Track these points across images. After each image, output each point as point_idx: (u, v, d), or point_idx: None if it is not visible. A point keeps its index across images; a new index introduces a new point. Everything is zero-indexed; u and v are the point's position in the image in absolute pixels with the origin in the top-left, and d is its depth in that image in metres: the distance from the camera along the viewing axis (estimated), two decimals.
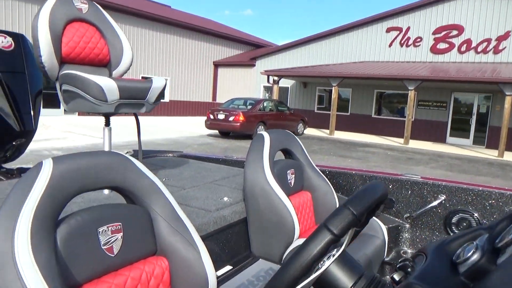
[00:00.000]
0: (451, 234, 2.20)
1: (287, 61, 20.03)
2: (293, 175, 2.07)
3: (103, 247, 0.97)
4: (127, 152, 3.02)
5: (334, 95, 15.38)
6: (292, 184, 2.05)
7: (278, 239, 1.80)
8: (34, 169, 0.91)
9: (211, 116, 12.98)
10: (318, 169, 2.25)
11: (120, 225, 1.02)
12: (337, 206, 2.24)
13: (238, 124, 12.39)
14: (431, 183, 2.22)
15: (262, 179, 1.79)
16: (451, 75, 13.08)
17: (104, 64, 2.06)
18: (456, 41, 15.76)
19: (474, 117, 15.31)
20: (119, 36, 2.11)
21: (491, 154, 13.04)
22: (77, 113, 15.33)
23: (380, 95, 17.51)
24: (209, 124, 13.05)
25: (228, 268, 1.71)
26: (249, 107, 13.38)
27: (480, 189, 2.12)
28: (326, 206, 2.20)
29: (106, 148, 1.88)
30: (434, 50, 16.27)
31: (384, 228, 2.11)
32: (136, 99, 1.77)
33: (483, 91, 14.77)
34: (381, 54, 17.48)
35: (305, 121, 15.72)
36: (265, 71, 17.40)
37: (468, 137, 15.48)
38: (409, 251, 2.29)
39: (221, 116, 12.71)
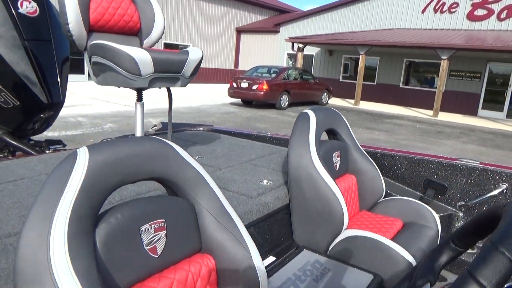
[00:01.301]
0: None
1: (312, 27, 19.33)
2: (339, 158, 1.89)
3: (146, 248, 0.86)
4: (154, 126, 2.90)
5: (361, 64, 14.82)
6: (338, 168, 1.89)
7: (325, 229, 1.66)
8: (67, 160, 0.78)
9: (234, 84, 12.74)
10: (364, 151, 2.06)
11: (163, 221, 0.90)
12: (384, 191, 2.07)
13: (262, 93, 12.13)
14: (491, 170, 2.02)
15: (308, 163, 1.63)
16: (488, 43, 12.32)
17: (135, 33, 1.90)
18: (496, 7, 14.74)
19: (510, 89, 14.53)
20: (150, 1, 1.93)
21: None
22: None
23: (410, 64, 16.79)
24: (232, 93, 12.84)
25: (271, 259, 1.59)
26: (273, 75, 13.05)
27: None
28: (372, 191, 2.04)
29: (139, 126, 1.75)
30: (470, 17, 15.30)
31: (437, 217, 1.94)
32: (171, 73, 1.61)
33: None
34: (413, 21, 16.60)
35: (330, 91, 15.30)
36: (290, 38, 16.85)
37: (502, 110, 14.78)
38: None
39: (244, 85, 12.46)
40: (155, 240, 0.88)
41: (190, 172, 0.97)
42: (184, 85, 1.72)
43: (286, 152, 2.34)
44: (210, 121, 9.29)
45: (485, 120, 13.83)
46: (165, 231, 0.90)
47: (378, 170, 2.05)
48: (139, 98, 1.75)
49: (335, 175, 1.85)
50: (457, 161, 2.11)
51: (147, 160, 0.89)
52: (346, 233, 1.64)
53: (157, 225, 0.89)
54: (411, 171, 2.22)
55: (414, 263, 1.50)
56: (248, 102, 13.43)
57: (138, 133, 1.75)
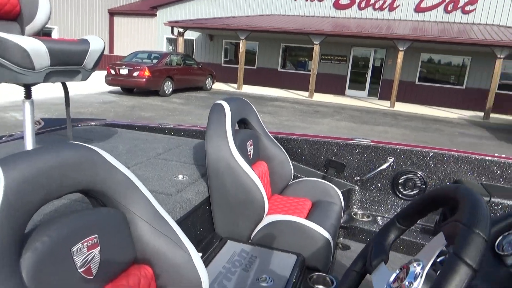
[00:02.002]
0: (398, 194, 2.30)
1: (192, 11, 18.98)
2: (252, 146, 1.91)
3: (80, 270, 0.74)
4: (36, 124, 2.52)
5: (242, 49, 15.16)
6: (251, 156, 1.90)
7: (247, 217, 1.66)
8: None
9: (112, 71, 11.85)
10: (272, 137, 2.12)
11: (96, 237, 0.79)
12: (292, 174, 2.16)
13: (144, 79, 11.55)
14: (380, 147, 2.26)
15: (227, 155, 1.60)
16: (351, 30, 13.76)
17: (13, 17, 1.58)
18: None
19: (369, 71, 16.56)
20: None
21: (384, 105, 14.35)
22: None
23: (286, 48, 17.80)
24: (110, 80, 11.93)
25: (199, 254, 1.53)
26: (154, 61, 12.50)
27: (422, 149, 2.22)
28: (282, 175, 2.11)
29: (29, 128, 1.47)
30: (336, 5, 16.82)
31: (339, 193, 2.10)
32: (70, 65, 1.39)
33: (379, 46, 15.90)
34: (287, 8, 17.54)
35: (214, 76, 15.35)
36: (169, 22, 16.29)
37: (364, 89, 16.78)
38: (359, 212, 2.35)
39: (123, 71, 11.68)
40: (89, 260, 0.77)
41: (119, 178, 0.86)
42: (85, 78, 1.50)
43: (193, 143, 2.27)
44: (88, 112, 8.50)
45: (352, 99, 15.54)
46: (98, 248, 0.79)
47: (286, 154, 2.13)
48: (28, 95, 1.47)
49: (250, 163, 1.86)
50: (352, 141, 2.32)
51: (72, 170, 0.75)
52: (266, 219, 1.67)
53: (89, 243, 0.77)
54: (314, 153, 2.37)
55: (329, 237, 1.60)
56: (129, 90, 12.67)
57: (29, 138, 1.47)
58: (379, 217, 2.32)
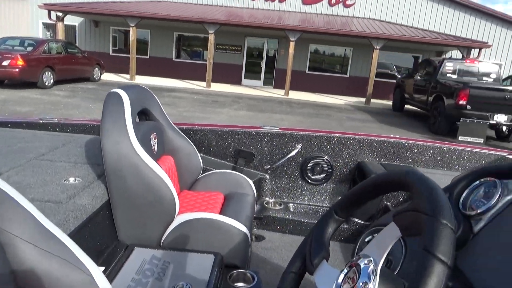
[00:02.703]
0: (307, 179, 2.31)
1: None
2: (156, 140, 1.71)
3: None
4: None
5: (132, 37, 14.26)
6: (156, 150, 1.70)
7: (156, 220, 1.47)
8: None
9: None
10: (177, 129, 1.94)
11: None
12: (201, 167, 2.02)
13: (17, 69, 10.12)
14: (288, 133, 2.24)
15: (129, 151, 1.38)
16: (245, 20, 13.91)
17: None
18: None
19: (264, 60, 17.01)
20: None
21: (279, 93, 14.90)
22: None
23: (180, 37, 17.28)
24: None
25: (100, 269, 1.30)
26: (29, 48, 11.02)
27: (328, 135, 2.26)
28: (191, 170, 1.95)
29: None
30: None
31: (251, 183, 2.03)
32: None
33: (271, 37, 16.39)
34: None
35: (102, 65, 14.18)
36: (45, 4, 14.51)
37: (259, 79, 17.21)
38: (271, 201, 2.31)
39: None
40: None
41: None
42: None
43: (85, 140, 1.96)
44: None
45: (248, 88, 15.82)
46: None
47: (194, 146, 1.97)
48: None
49: (155, 158, 1.67)
50: (261, 129, 2.25)
51: None
52: (178, 219, 1.51)
53: None
54: (222, 144, 2.25)
55: (246, 231, 1.51)
56: None
57: None
58: (290, 204, 2.32)
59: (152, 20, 14.66)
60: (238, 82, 17.14)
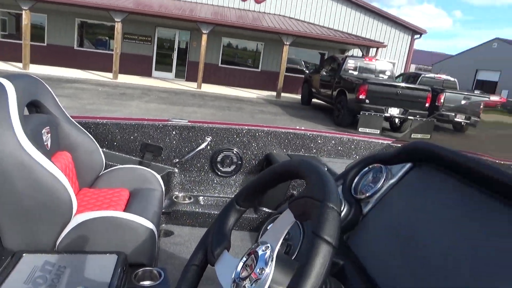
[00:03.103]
0: (217, 172, 2.31)
1: None
2: (49, 135, 1.55)
3: None
4: None
5: (25, 21, 12.82)
6: (49, 146, 1.55)
7: (49, 222, 1.34)
8: None
9: None
10: (76, 123, 1.79)
11: None
12: (104, 163, 1.89)
13: None
14: (198, 126, 2.21)
15: (14, 148, 1.23)
16: (155, 9, 13.39)
17: None
18: None
19: (175, 52, 16.57)
20: None
21: (191, 86, 14.67)
22: None
23: (82, 24, 16.02)
24: None
25: None
26: None
27: (237, 127, 2.28)
28: (91, 166, 1.82)
29: None
30: None
31: (159, 177, 1.96)
32: None
33: (183, 28, 16.01)
34: None
35: None
36: None
37: (171, 71, 16.74)
38: (180, 195, 2.26)
39: None
40: None
41: None
42: None
43: None
44: None
45: (159, 80, 15.30)
46: None
47: (95, 141, 1.84)
48: None
49: (49, 155, 1.51)
50: (169, 122, 2.19)
51: None
52: (75, 220, 1.39)
53: None
54: (127, 138, 2.14)
55: (153, 227, 1.46)
56: None
57: None
58: (200, 197, 2.29)
59: (49, 4, 13.35)
60: (148, 74, 16.47)
